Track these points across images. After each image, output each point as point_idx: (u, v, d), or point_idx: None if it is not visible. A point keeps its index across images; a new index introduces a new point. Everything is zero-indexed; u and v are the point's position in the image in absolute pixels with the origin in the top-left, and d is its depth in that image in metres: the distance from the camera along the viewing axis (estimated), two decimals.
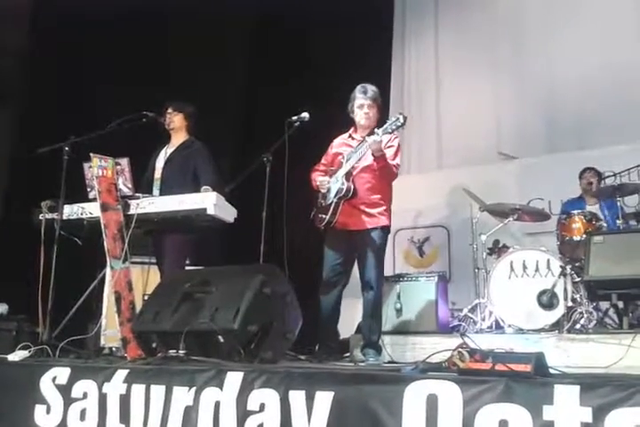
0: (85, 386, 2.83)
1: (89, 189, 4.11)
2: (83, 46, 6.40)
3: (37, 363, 3.22)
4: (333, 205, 3.88)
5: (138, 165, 4.30)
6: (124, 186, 4.06)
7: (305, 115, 4.17)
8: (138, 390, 2.68)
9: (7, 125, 6.43)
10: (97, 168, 3.93)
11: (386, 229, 3.96)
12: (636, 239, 4.09)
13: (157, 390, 2.63)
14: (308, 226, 4.11)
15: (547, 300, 4.37)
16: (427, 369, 2.34)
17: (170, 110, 4.54)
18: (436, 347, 3.25)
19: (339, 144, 4.19)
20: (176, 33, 6.57)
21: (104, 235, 3.79)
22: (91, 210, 4.01)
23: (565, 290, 4.31)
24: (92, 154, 3.97)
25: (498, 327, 4.58)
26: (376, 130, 3.78)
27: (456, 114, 6.83)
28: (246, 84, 7.46)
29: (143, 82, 6.10)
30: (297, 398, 2.32)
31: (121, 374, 2.77)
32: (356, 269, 4.00)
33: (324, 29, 6.79)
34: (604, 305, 4.47)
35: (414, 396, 2.12)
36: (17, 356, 3.34)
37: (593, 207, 5.15)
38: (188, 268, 4.43)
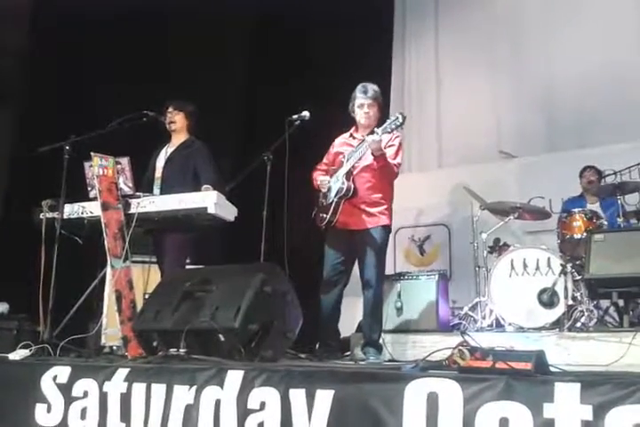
0: (86, 385, 2.83)
1: (89, 188, 4.11)
2: (83, 46, 6.41)
3: (38, 362, 3.22)
4: (334, 204, 3.89)
5: (138, 165, 4.30)
6: (125, 185, 4.06)
7: (305, 113, 4.17)
8: (138, 388, 2.68)
9: (8, 125, 6.44)
10: (97, 167, 3.93)
11: (386, 229, 3.96)
12: (636, 237, 4.09)
13: (158, 389, 2.63)
14: (308, 225, 4.11)
15: (547, 298, 4.37)
16: (427, 367, 2.34)
17: (170, 109, 4.54)
18: (437, 345, 3.25)
19: (340, 144, 4.19)
20: (176, 33, 6.58)
21: (105, 234, 3.79)
22: (91, 209, 4.02)
23: (566, 288, 4.31)
24: (92, 153, 3.98)
25: (498, 326, 4.58)
26: (375, 129, 3.79)
27: (456, 113, 6.83)
28: (247, 84, 7.46)
29: (143, 81, 6.10)
30: (297, 396, 2.32)
31: (122, 372, 2.77)
32: (356, 268, 4.00)
33: (324, 29, 6.79)
34: (604, 303, 4.48)
35: (415, 394, 2.12)
36: (18, 355, 3.35)
37: (593, 206, 5.15)
38: (188, 267, 4.42)
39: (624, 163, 5.11)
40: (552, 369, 2.19)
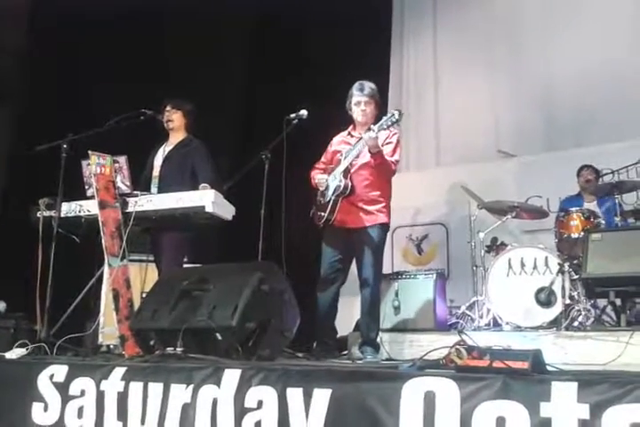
0: (83, 384, 2.83)
1: (87, 187, 4.10)
2: (81, 45, 6.41)
3: (35, 361, 3.21)
4: (331, 202, 3.88)
5: (136, 163, 4.30)
6: (123, 184, 4.05)
7: (303, 112, 4.17)
8: (135, 387, 2.68)
9: (6, 124, 6.43)
10: (95, 166, 3.93)
11: (384, 227, 3.96)
12: (633, 237, 4.09)
13: (155, 388, 2.63)
14: (306, 223, 4.11)
15: (544, 297, 4.37)
16: (424, 366, 2.34)
17: (168, 108, 4.53)
18: (434, 344, 3.23)
19: (338, 142, 4.19)
20: (175, 32, 6.57)
21: (102, 232, 3.79)
22: (89, 208, 4.01)
23: (563, 287, 4.31)
24: (90, 151, 3.97)
25: (496, 325, 4.59)
26: (372, 126, 3.78)
27: (454, 112, 6.83)
28: (245, 83, 7.46)
29: (142, 80, 6.10)
30: (294, 395, 2.32)
31: (119, 371, 2.77)
32: (354, 267, 4.00)
33: (322, 28, 6.79)
34: (601, 302, 4.47)
35: (412, 393, 2.12)
36: (14, 353, 3.34)
37: (591, 205, 5.15)
38: (185, 265, 4.42)
39: (622, 162, 5.11)
40: (549, 368, 2.19)
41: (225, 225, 4.14)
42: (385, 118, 3.75)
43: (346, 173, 3.89)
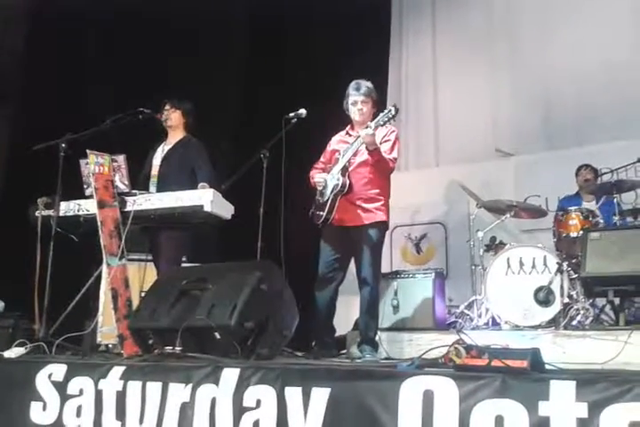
0: (81, 383, 2.83)
1: (85, 186, 4.10)
2: (81, 45, 6.40)
3: (33, 360, 3.21)
4: (330, 201, 3.88)
5: (135, 162, 4.29)
6: (121, 183, 4.05)
7: (302, 111, 4.17)
8: (134, 386, 2.68)
9: (4, 123, 6.43)
10: (93, 165, 3.92)
11: (383, 225, 3.95)
12: (632, 236, 4.09)
13: (153, 387, 2.63)
14: (305, 222, 4.10)
15: (543, 296, 4.37)
16: (423, 365, 2.35)
17: (167, 107, 4.53)
18: (433, 343, 3.25)
19: (336, 141, 4.19)
20: (174, 32, 6.56)
21: (100, 232, 3.78)
22: (87, 207, 4.01)
23: (562, 287, 4.31)
24: (88, 151, 3.96)
25: (494, 324, 4.59)
26: (369, 123, 3.79)
27: (453, 111, 6.83)
28: (244, 82, 7.44)
29: (142, 80, 6.09)
30: (293, 394, 2.32)
31: (117, 370, 2.77)
32: (352, 266, 4.00)
33: (321, 27, 6.79)
34: (600, 302, 4.47)
35: (411, 392, 2.12)
36: (13, 353, 3.34)
37: (589, 204, 5.16)
38: (184, 265, 4.42)
39: (620, 161, 5.11)
40: (548, 367, 2.20)
41: (224, 224, 4.14)
42: (382, 115, 3.75)
43: (344, 171, 3.89)
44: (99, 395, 2.75)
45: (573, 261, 4.53)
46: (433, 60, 7.15)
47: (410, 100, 7.19)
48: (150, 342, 3.21)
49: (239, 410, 2.40)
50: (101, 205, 3.86)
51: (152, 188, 4.39)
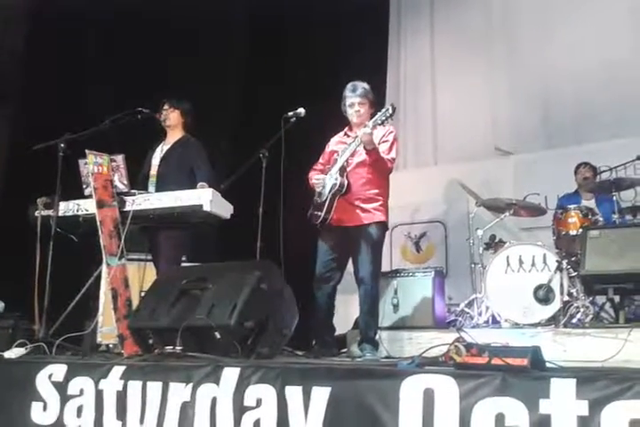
0: (82, 383, 2.83)
1: (84, 186, 4.09)
2: (80, 45, 6.40)
3: (34, 360, 3.21)
4: (328, 201, 3.87)
5: (134, 162, 4.29)
6: (120, 182, 4.04)
7: (301, 110, 4.17)
8: (134, 386, 2.68)
9: (4, 123, 6.42)
10: (92, 165, 3.92)
11: (382, 225, 3.94)
12: (631, 234, 4.09)
13: (154, 387, 2.63)
14: (304, 222, 4.10)
15: (543, 294, 4.37)
16: (423, 364, 2.35)
17: (166, 107, 4.52)
18: (433, 342, 3.26)
19: (335, 142, 4.19)
20: (174, 32, 6.56)
21: (100, 231, 3.78)
22: (86, 207, 4.00)
23: (562, 285, 4.31)
24: (87, 150, 3.96)
25: (494, 322, 4.59)
26: (366, 122, 3.79)
27: (452, 110, 6.83)
28: (243, 82, 7.44)
29: (141, 80, 6.09)
30: (294, 393, 2.32)
31: (117, 370, 2.77)
32: (351, 265, 3.99)
33: (319, 27, 6.79)
34: (600, 299, 4.48)
35: (411, 390, 2.12)
36: (13, 353, 3.33)
37: (589, 202, 5.16)
38: (184, 264, 4.42)
39: (619, 159, 5.12)
40: (548, 365, 2.19)
41: (223, 224, 4.14)
42: (379, 114, 3.75)
43: (342, 171, 3.89)
44: (99, 395, 2.75)
45: (573, 259, 4.53)
46: (431, 59, 7.15)
47: (408, 100, 7.19)
48: (150, 341, 3.21)
49: (240, 409, 2.40)
50: (100, 204, 3.85)
51: (151, 187, 4.38)
